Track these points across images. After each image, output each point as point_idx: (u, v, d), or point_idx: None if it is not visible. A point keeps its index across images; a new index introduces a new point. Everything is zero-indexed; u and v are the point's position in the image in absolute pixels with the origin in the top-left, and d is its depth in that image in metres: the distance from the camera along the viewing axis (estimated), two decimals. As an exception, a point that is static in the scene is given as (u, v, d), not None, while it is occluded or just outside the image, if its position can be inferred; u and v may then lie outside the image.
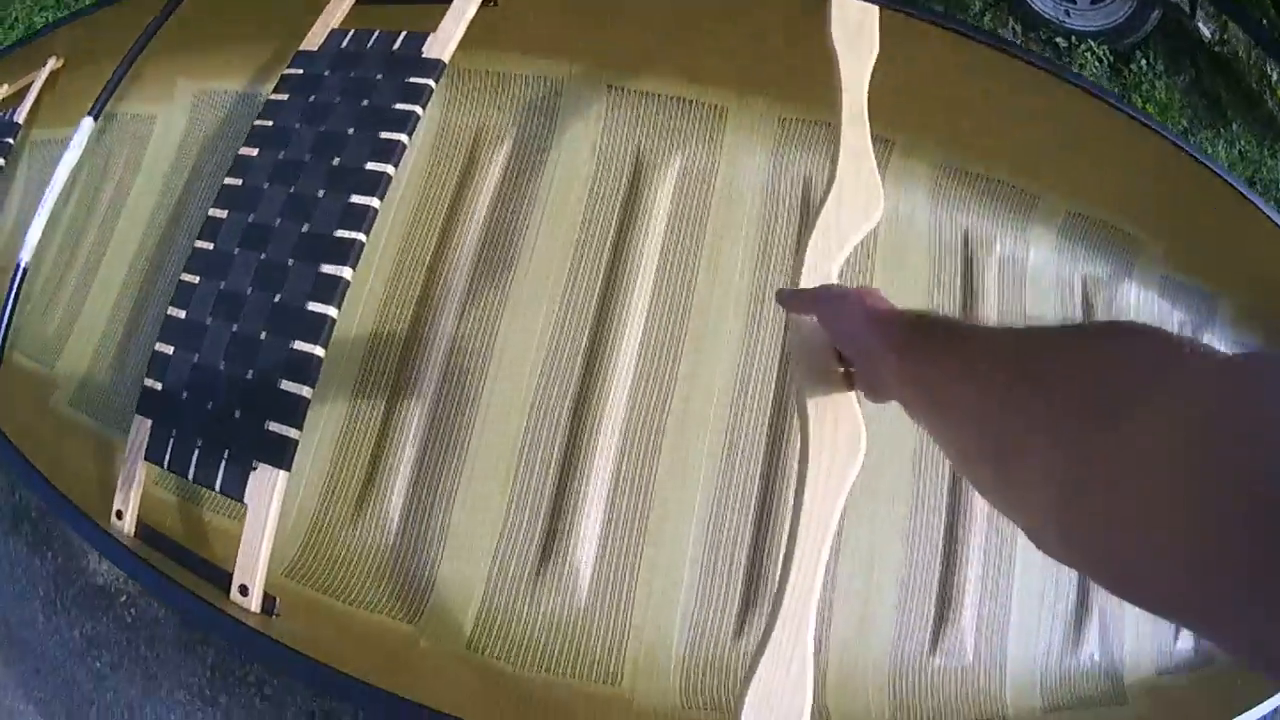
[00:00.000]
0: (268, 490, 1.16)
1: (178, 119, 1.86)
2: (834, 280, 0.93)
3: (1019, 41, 2.53)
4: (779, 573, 0.82)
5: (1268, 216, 1.44)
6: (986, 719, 1.38)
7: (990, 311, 1.59)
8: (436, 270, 1.58)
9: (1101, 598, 1.47)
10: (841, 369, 0.76)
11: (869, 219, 1.00)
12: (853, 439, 0.79)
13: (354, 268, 1.23)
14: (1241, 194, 1.43)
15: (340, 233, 1.25)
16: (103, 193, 1.87)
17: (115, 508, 1.30)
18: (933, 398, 0.53)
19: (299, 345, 1.20)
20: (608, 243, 1.59)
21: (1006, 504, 0.44)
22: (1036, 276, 1.65)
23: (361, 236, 1.24)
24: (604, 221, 1.60)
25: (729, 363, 1.51)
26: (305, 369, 1.19)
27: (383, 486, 1.46)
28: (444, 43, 1.39)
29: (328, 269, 1.23)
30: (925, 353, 0.55)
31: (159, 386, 1.30)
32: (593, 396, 1.49)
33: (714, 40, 1.55)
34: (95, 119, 1.61)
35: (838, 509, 0.79)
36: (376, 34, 1.44)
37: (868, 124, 1.10)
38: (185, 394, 1.27)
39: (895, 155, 1.61)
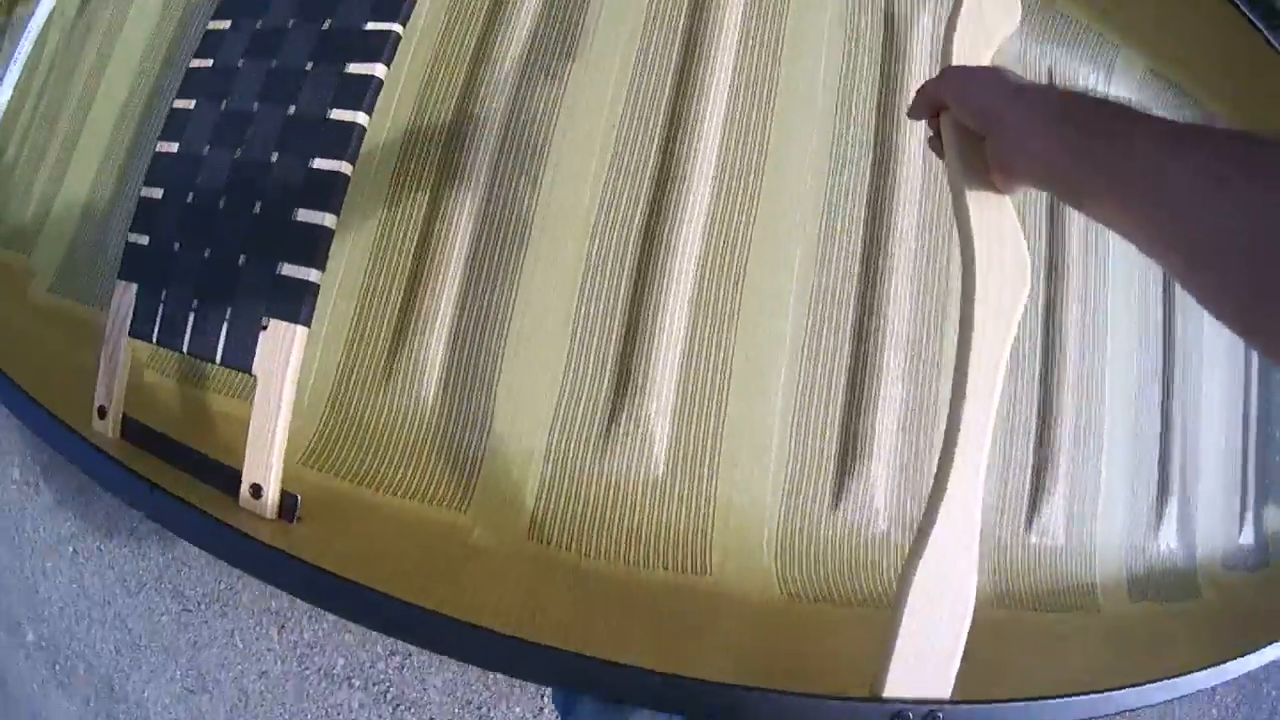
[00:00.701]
0: (282, 354, 0.89)
1: None
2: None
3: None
4: (948, 424, 0.67)
5: None
6: (1078, 606, 1.29)
7: None
8: (479, 64, 1.27)
9: (1179, 483, 1.44)
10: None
11: (1011, 16, 0.83)
12: (1019, 262, 0.66)
13: (389, 64, 0.95)
14: None
15: (371, 24, 0.96)
16: (84, 57, 1.60)
17: (96, 403, 1.03)
18: (1125, 181, 0.47)
19: (320, 163, 0.92)
20: (679, 25, 1.28)
21: (1264, 320, 0.41)
22: None
23: (397, 27, 0.96)
24: (669, 27, 1.29)
25: (815, 175, 1.25)
26: (328, 191, 0.91)
27: (418, 337, 1.15)
28: None
29: (356, 68, 0.95)
30: (1101, 126, 0.49)
31: (145, 241, 1.03)
32: (665, 214, 1.19)
33: None
34: None
35: (1008, 344, 0.66)
36: None
37: None
38: (177, 244, 1.00)
39: None
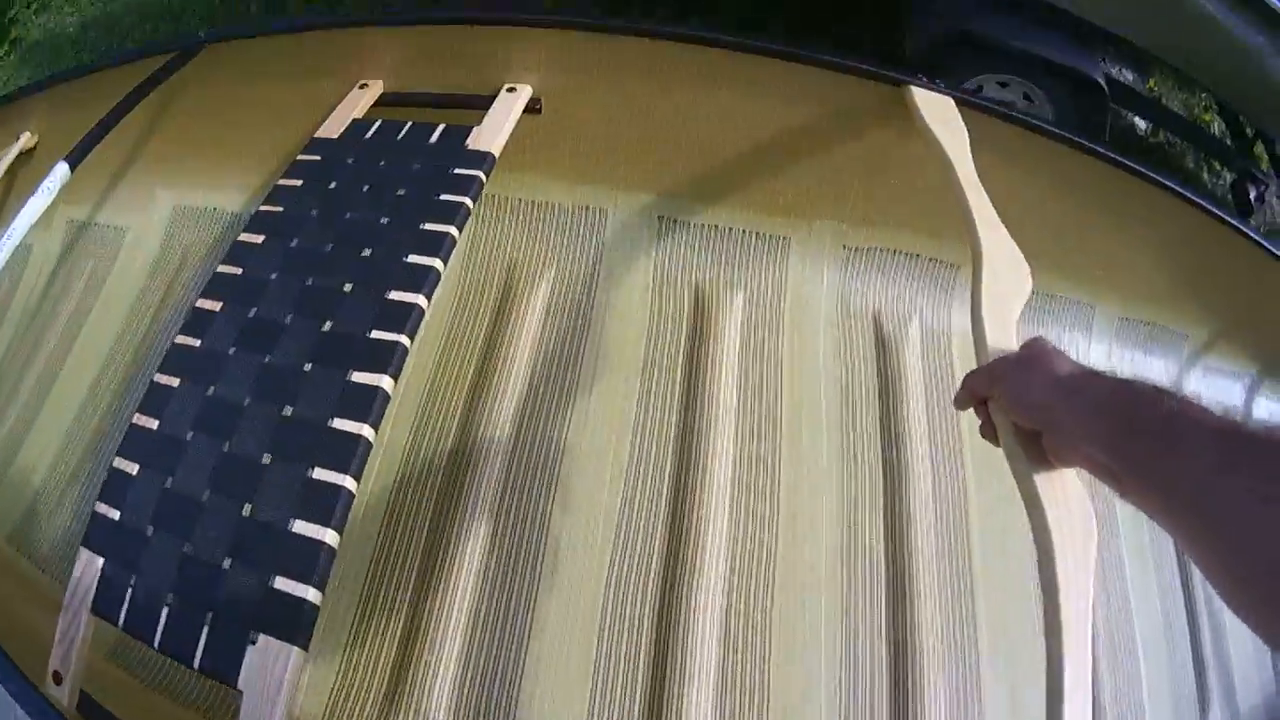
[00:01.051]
0: (274, 675, 0.85)
1: (152, 232, 1.65)
2: (1015, 343, 0.84)
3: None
4: (1049, 685, 0.67)
5: None
6: None
7: None
8: (470, 424, 1.34)
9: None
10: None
11: (1023, 287, 0.93)
12: (1085, 514, 0.69)
13: (395, 377, 1.00)
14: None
15: (377, 334, 1.02)
16: (62, 306, 1.61)
17: (51, 667, 0.97)
18: (1172, 491, 0.48)
19: (321, 474, 0.94)
20: (676, 389, 1.38)
21: None
22: None
23: (404, 340, 1.01)
24: (669, 365, 1.40)
25: (833, 511, 1.31)
26: (330, 506, 0.92)
27: (425, 660, 1.14)
28: (491, 136, 1.24)
29: (360, 377, 0.99)
30: (1151, 428, 0.50)
31: (115, 515, 1.00)
32: (683, 548, 1.24)
33: (776, 169, 1.45)
34: (71, 168, 1.33)
35: (1090, 595, 0.68)
36: (409, 125, 1.28)
37: (984, 193, 1.05)
38: (151, 529, 0.98)
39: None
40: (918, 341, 1.49)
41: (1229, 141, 3.03)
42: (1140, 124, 3.28)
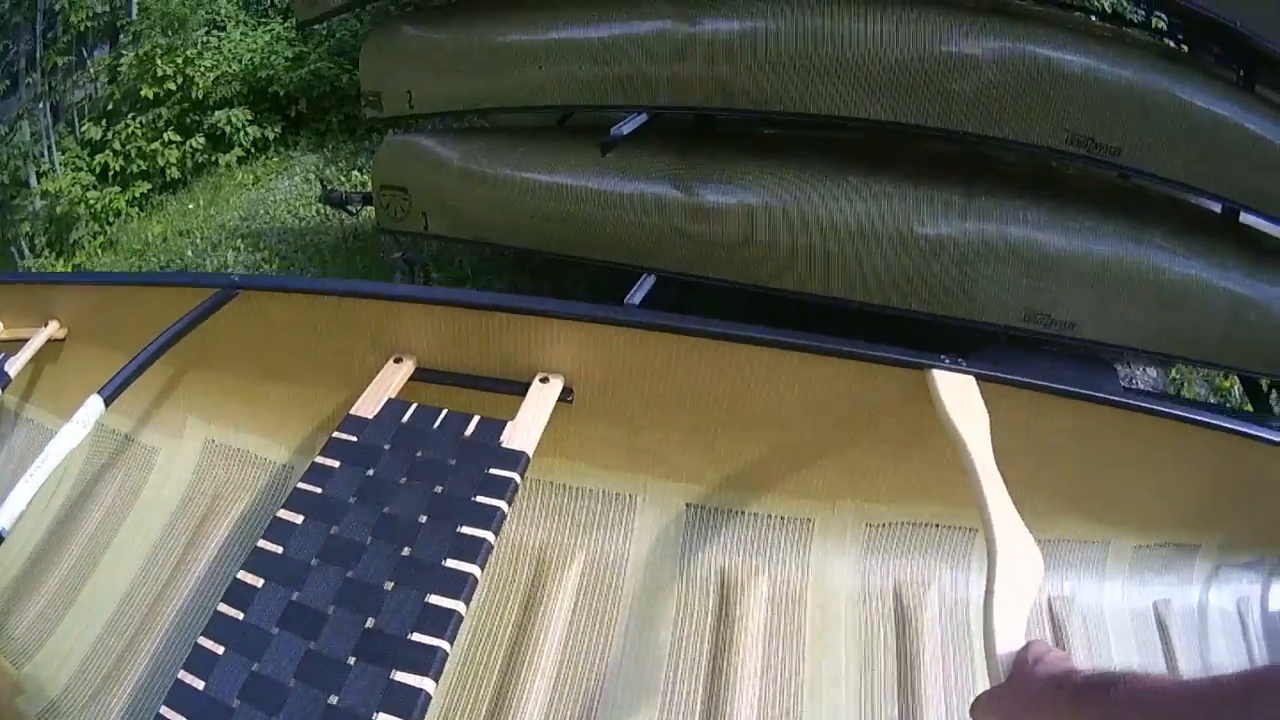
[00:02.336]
0: None
1: (184, 461, 1.72)
2: (1022, 640, 0.92)
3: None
4: None
5: None
6: None
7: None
8: (500, 707, 1.41)
9: None
10: None
11: (1036, 578, 1.01)
12: None
13: (437, 680, 1.14)
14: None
15: (417, 637, 1.16)
16: (89, 513, 1.65)
17: None
18: None
19: None
20: (701, 672, 1.45)
21: None
22: (1118, 620, 1.69)
23: (445, 645, 1.16)
24: (694, 649, 1.48)
25: None
26: None
27: None
28: (525, 433, 1.39)
29: (402, 677, 1.13)
30: None
31: None
32: None
33: (801, 455, 1.56)
34: (106, 404, 1.39)
35: None
36: (444, 413, 1.45)
37: (1002, 483, 1.13)
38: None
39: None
40: (936, 607, 1.58)
41: (1248, 406, 3.13)
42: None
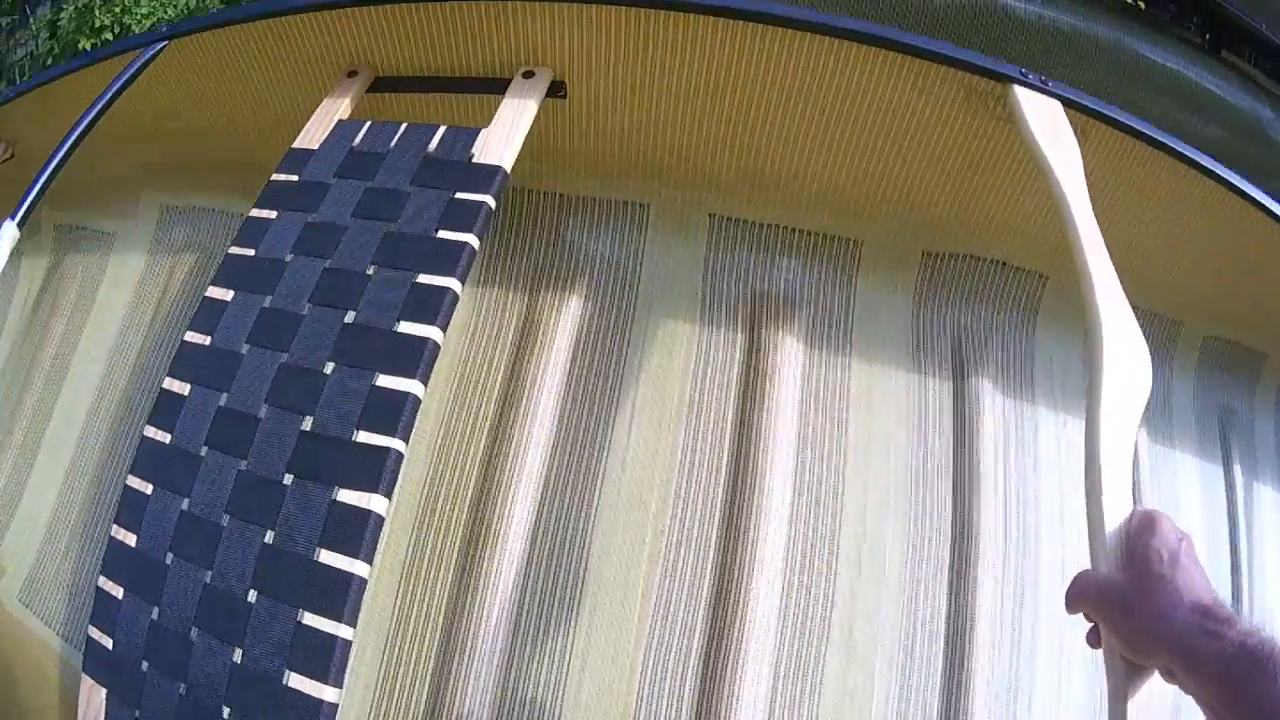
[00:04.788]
0: None
1: (141, 235, 1.51)
2: (1129, 492, 0.70)
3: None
4: None
5: None
6: None
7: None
8: (486, 494, 1.18)
9: None
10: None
11: (1144, 388, 0.77)
12: None
13: (389, 497, 0.81)
14: None
15: (364, 436, 0.83)
16: (53, 327, 1.53)
17: None
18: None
19: (311, 619, 0.78)
20: (726, 430, 1.21)
21: None
22: (1181, 415, 1.46)
23: (398, 444, 0.82)
24: (718, 400, 1.23)
25: (894, 599, 1.17)
26: (324, 657, 0.76)
27: None
28: (502, 141, 1.00)
29: (348, 496, 0.81)
30: (1255, 712, 0.49)
31: (109, 644, 0.88)
32: (728, 643, 1.11)
33: (847, 162, 1.22)
34: (20, 225, 1.16)
35: None
36: (403, 128, 1.05)
37: (1105, 250, 0.87)
38: (145, 664, 0.85)
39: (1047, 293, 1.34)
40: (996, 366, 1.33)
41: None
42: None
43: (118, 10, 5.54)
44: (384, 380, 0.85)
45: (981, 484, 1.23)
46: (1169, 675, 0.58)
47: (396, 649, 1.14)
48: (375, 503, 0.80)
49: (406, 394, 0.83)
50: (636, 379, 1.24)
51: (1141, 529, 0.63)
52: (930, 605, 1.18)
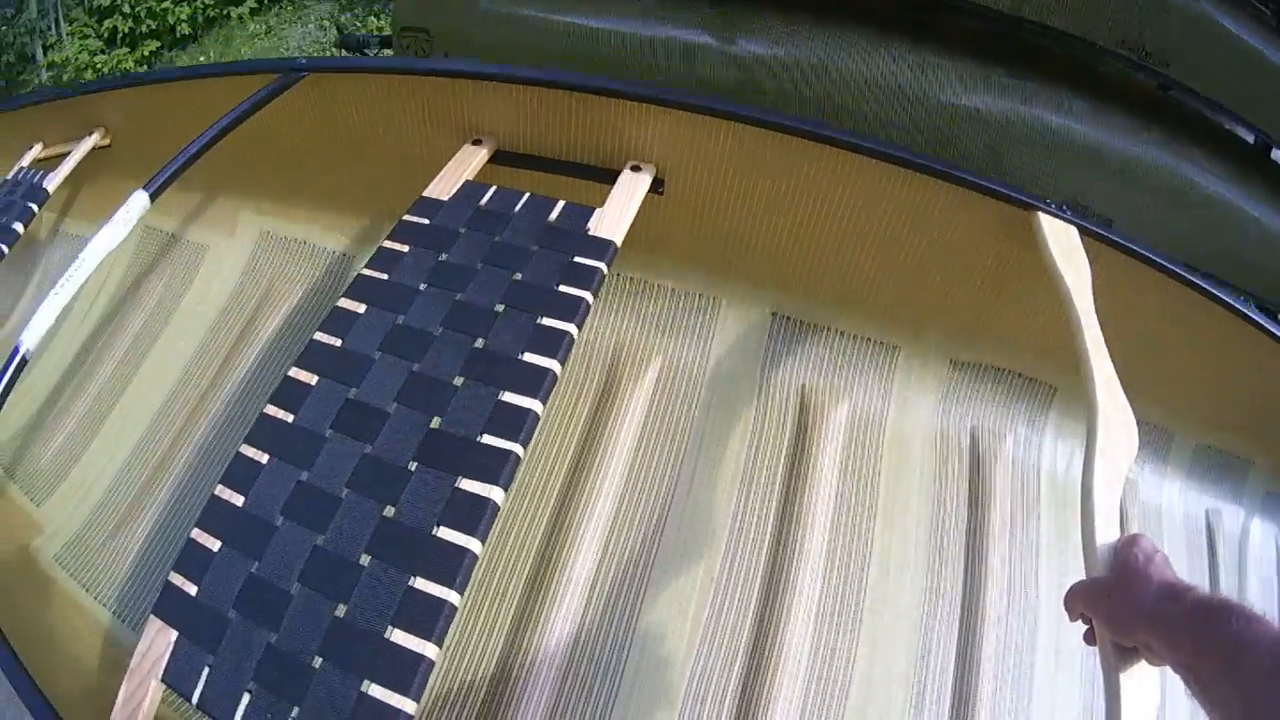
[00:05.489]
0: None
1: (236, 255, 1.61)
2: (1117, 526, 0.86)
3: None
4: None
5: None
6: None
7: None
8: (562, 521, 1.32)
9: None
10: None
11: (1131, 452, 0.94)
12: (1156, 699, 0.73)
13: (507, 489, 0.95)
14: None
15: (488, 439, 0.98)
16: (132, 318, 1.54)
17: None
18: (1228, 705, 0.55)
19: (422, 584, 0.90)
20: (775, 494, 1.38)
21: None
22: (1172, 517, 1.62)
23: (518, 449, 0.97)
24: (769, 470, 1.40)
25: (908, 638, 1.32)
26: (431, 617, 0.88)
27: None
28: (615, 221, 1.19)
29: (469, 485, 0.95)
30: (1214, 655, 0.57)
31: (192, 590, 0.96)
32: (763, 679, 1.24)
33: (893, 277, 1.43)
34: (151, 199, 1.28)
35: None
36: (527, 196, 1.24)
37: (1105, 346, 1.05)
38: (233, 612, 0.94)
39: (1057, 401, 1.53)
40: (1009, 459, 1.51)
41: None
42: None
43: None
44: (508, 397, 1.00)
45: (989, 566, 1.39)
46: (1149, 652, 0.67)
47: (451, 674, 1.23)
48: (495, 493, 0.94)
49: (528, 410, 0.99)
50: (699, 447, 1.39)
51: (1125, 543, 0.75)
52: (941, 655, 1.32)
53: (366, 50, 4.06)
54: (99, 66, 5.24)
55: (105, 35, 5.45)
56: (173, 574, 0.98)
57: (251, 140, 1.43)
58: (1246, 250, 2.44)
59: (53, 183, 1.57)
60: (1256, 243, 2.43)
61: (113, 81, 1.61)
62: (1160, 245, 2.24)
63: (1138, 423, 1.47)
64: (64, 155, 1.61)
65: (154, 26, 5.47)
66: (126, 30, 5.40)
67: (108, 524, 1.38)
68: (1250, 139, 2.59)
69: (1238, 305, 1.36)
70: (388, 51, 3.60)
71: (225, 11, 5.56)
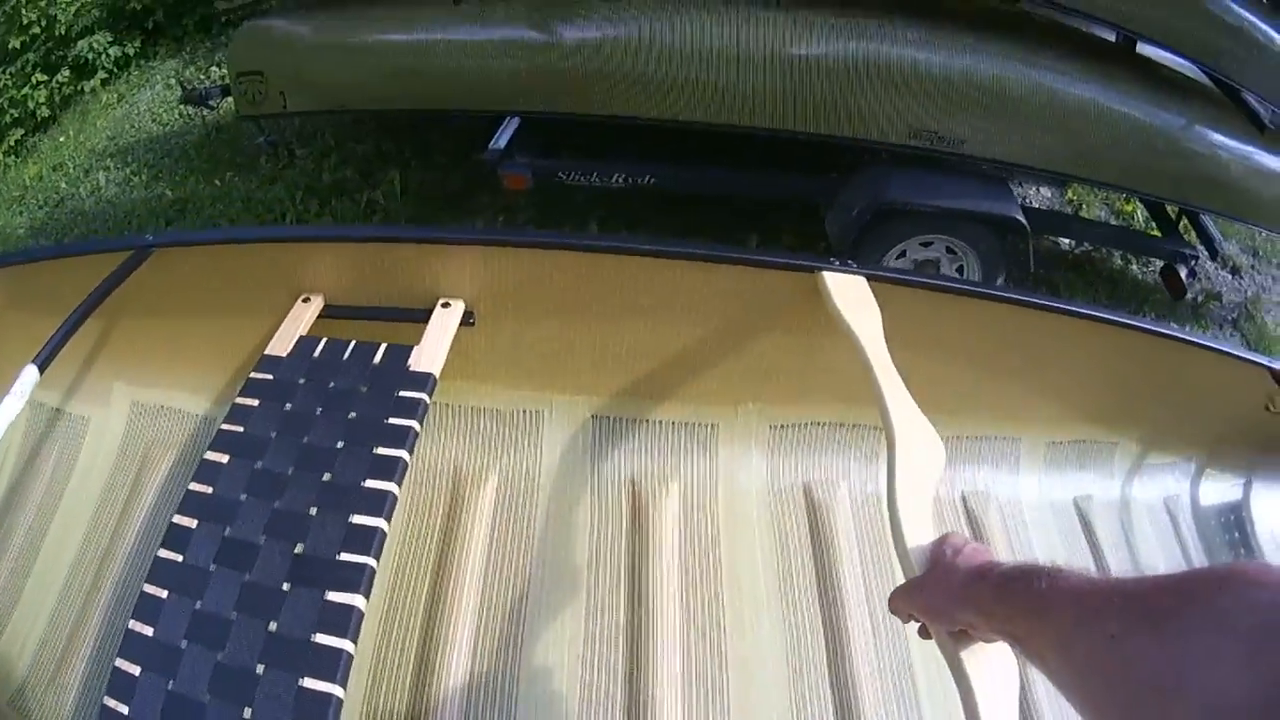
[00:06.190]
0: None
1: (114, 425, 1.74)
2: (931, 531, 0.91)
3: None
4: None
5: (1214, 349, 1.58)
6: None
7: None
8: (430, 634, 1.47)
9: None
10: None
11: (937, 466, 1.02)
12: (1009, 683, 0.78)
13: (367, 596, 1.22)
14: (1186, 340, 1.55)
15: (345, 556, 1.24)
16: (30, 490, 1.68)
17: None
18: (1045, 658, 0.57)
19: (310, 682, 1.16)
20: (621, 579, 1.51)
21: None
22: (1037, 514, 1.73)
23: (372, 561, 1.24)
24: (613, 557, 1.54)
25: (779, 683, 1.43)
26: (321, 711, 1.13)
27: None
28: (431, 356, 1.45)
29: (335, 596, 1.22)
30: (1024, 617, 0.60)
31: (125, 710, 1.18)
32: None
33: (702, 362, 1.60)
34: (40, 370, 1.37)
35: None
36: (353, 344, 1.48)
37: (897, 375, 1.16)
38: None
39: None
40: (848, 502, 1.64)
41: (1154, 227, 3.15)
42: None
43: (43, 4, 5.60)
44: (357, 519, 1.27)
45: (844, 592, 1.51)
46: (975, 631, 0.69)
47: None
48: (358, 601, 1.21)
49: (376, 528, 1.27)
50: (545, 546, 1.55)
51: (936, 543, 0.81)
52: (817, 682, 1.43)
53: (210, 102, 4.17)
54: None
55: (-29, 131, 5.47)
56: (106, 698, 1.19)
57: (116, 313, 1.58)
58: (1123, 149, 2.47)
59: None
60: (1131, 138, 2.47)
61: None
62: (1031, 160, 2.50)
63: (981, 438, 1.64)
64: None
65: (16, 115, 5.61)
66: (-8, 123, 5.47)
67: (46, 671, 1.51)
68: (1112, 38, 2.70)
69: (1051, 303, 1.46)
70: (230, 99, 3.74)
71: (79, 87, 5.74)
